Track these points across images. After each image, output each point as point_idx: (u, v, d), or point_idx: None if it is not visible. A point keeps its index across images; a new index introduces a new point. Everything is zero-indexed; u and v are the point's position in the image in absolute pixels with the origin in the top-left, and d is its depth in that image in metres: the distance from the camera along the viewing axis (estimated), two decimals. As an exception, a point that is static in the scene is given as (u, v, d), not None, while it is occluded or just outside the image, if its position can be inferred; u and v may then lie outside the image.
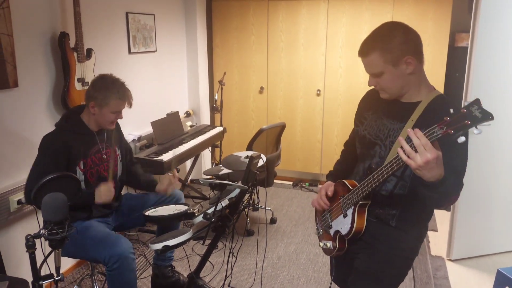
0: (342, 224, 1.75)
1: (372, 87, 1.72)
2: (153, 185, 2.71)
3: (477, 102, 1.24)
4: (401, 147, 1.36)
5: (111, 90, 2.35)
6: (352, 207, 1.69)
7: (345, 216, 1.73)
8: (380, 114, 1.72)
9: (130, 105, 2.46)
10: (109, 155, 2.55)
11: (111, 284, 2.32)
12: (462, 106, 1.26)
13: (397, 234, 1.70)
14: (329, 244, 1.84)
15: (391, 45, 1.54)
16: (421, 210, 1.71)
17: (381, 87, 1.62)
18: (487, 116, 1.22)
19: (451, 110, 1.27)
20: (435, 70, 4.33)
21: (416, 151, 1.32)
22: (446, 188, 1.41)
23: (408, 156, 1.34)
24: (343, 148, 2.06)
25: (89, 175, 2.44)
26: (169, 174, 2.68)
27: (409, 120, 1.58)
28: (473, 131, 1.24)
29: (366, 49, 1.59)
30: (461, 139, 1.25)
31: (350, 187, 1.72)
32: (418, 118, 1.56)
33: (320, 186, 1.93)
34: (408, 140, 1.35)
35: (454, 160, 1.51)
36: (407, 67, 1.56)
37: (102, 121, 2.43)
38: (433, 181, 1.37)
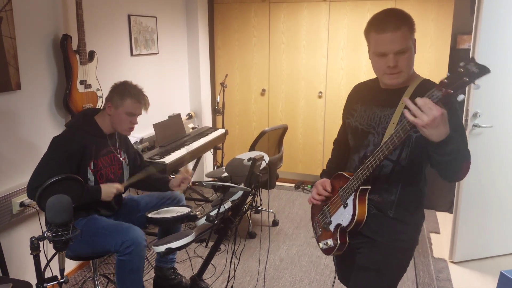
0: (343, 216, 1.75)
1: (358, 82, 1.85)
2: (166, 183, 2.70)
3: (472, 60, 1.29)
4: (406, 108, 1.37)
5: (128, 91, 2.44)
6: (353, 194, 1.70)
7: (345, 206, 1.74)
8: (370, 104, 1.75)
9: (145, 109, 2.51)
10: (117, 159, 2.57)
11: (119, 270, 2.33)
12: (458, 66, 1.29)
13: (396, 225, 1.72)
14: (330, 242, 1.82)
15: (413, 24, 1.59)
16: (418, 195, 1.73)
17: (401, 67, 1.57)
18: (484, 70, 1.26)
19: (448, 73, 1.31)
20: (436, 72, 4.33)
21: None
22: (454, 149, 1.42)
23: (414, 116, 1.35)
24: (333, 147, 2.08)
25: (99, 176, 2.46)
26: (187, 171, 2.68)
27: (399, 104, 1.61)
28: (471, 87, 1.28)
29: (398, 24, 1.54)
30: (461, 97, 1.29)
31: (349, 177, 1.73)
32: None
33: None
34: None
35: (454, 128, 1.51)
36: (415, 49, 1.62)
37: (117, 124, 2.46)
38: (440, 140, 1.38)
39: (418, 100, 1.34)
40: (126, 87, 2.46)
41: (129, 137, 3.65)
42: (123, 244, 2.27)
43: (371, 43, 1.62)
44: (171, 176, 3.56)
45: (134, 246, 2.27)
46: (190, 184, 2.70)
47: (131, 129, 2.50)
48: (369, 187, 1.69)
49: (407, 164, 1.65)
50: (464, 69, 1.28)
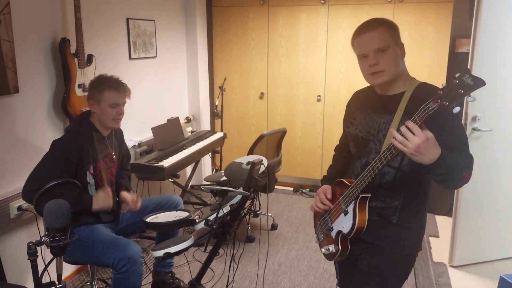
0: (344, 223, 1.74)
1: (356, 86, 1.87)
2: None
3: (467, 71, 1.30)
4: (394, 137, 1.42)
5: (104, 83, 2.42)
6: (353, 202, 1.69)
7: (346, 213, 1.72)
8: (368, 111, 1.76)
9: (128, 97, 2.48)
10: (116, 159, 2.56)
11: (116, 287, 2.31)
12: (454, 77, 1.31)
13: (399, 231, 1.70)
14: (332, 248, 1.82)
15: (394, 26, 1.66)
16: (421, 200, 1.72)
17: (382, 65, 1.61)
18: (480, 83, 1.28)
19: (443, 84, 1.33)
20: (435, 75, 4.33)
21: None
22: (450, 166, 1.44)
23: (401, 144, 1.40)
24: (334, 153, 2.08)
25: (99, 179, 2.45)
26: (134, 195, 2.63)
27: (398, 111, 1.62)
28: (467, 99, 1.30)
29: (375, 23, 1.63)
30: (457, 109, 1.31)
31: (349, 184, 1.72)
32: (405, 107, 1.61)
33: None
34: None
35: (453, 137, 1.56)
36: (402, 52, 1.65)
37: (104, 119, 2.44)
38: (432, 163, 1.41)
39: (402, 128, 1.38)
40: (101, 80, 2.44)
41: (128, 140, 3.67)
42: (120, 262, 2.24)
43: (355, 48, 1.69)
44: (170, 180, 3.56)
45: (130, 264, 2.25)
46: (137, 206, 2.63)
47: (119, 120, 2.47)
48: (369, 195, 1.68)
49: (410, 170, 1.64)
50: (459, 80, 1.29)
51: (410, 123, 1.37)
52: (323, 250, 1.89)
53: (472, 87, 1.27)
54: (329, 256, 1.87)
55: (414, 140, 1.36)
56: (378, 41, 1.59)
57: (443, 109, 1.30)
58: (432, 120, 1.36)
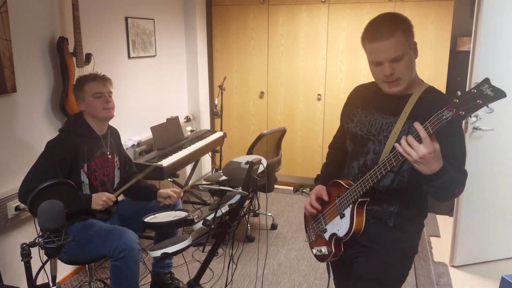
0: (339, 226, 1.70)
1: (358, 84, 1.83)
2: (155, 192, 2.69)
3: (487, 81, 1.24)
4: (399, 142, 1.37)
5: (82, 80, 2.48)
6: (350, 206, 1.65)
7: (342, 216, 1.69)
8: (371, 109, 1.69)
9: (109, 84, 2.51)
10: (112, 159, 2.55)
11: (114, 276, 2.31)
12: (472, 87, 1.25)
13: (396, 235, 1.67)
14: (324, 249, 1.78)
15: (409, 27, 1.53)
16: (419, 206, 1.69)
17: (398, 74, 1.51)
18: (500, 94, 1.22)
19: (459, 93, 1.27)
20: (436, 74, 4.30)
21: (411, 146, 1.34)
22: (446, 181, 1.40)
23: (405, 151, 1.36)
24: (328, 151, 2.02)
25: (93, 178, 2.44)
26: (177, 190, 2.73)
27: (403, 113, 1.56)
28: (484, 110, 1.24)
29: (390, 30, 1.47)
30: (472, 119, 1.26)
31: (347, 186, 1.67)
32: (411, 110, 1.55)
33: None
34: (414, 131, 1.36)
35: (455, 151, 1.51)
36: (415, 53, 1.56)
37: (94, 111, 2.45)
38: (431, 174, 1.38)
39: (409, 137, 1.34)
40: (79, 79, 2.51)
41: (127, 139, 3.65)
42: (116, 249, 2.25)
43: (367, 51, 1.57)
44: (169, 179, 3.55)
45: (127, 251, 2.25)
46: (178, 199, 2.76)
47: (109, 109, 2.48)
48: (368, 199, 1.64)
49: (409, 176, 1.60)
50: (478, 90, 1.22)
51: (422, 132, 1.31)
52: (314, 251, 1.85)
53: (491, 98, 1.21)
54: (320, 257, 1.83)
55: (420, 150, 1.32)
56: (394, 50, 1.47)
57: (458, 119, 1.25)
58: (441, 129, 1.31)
